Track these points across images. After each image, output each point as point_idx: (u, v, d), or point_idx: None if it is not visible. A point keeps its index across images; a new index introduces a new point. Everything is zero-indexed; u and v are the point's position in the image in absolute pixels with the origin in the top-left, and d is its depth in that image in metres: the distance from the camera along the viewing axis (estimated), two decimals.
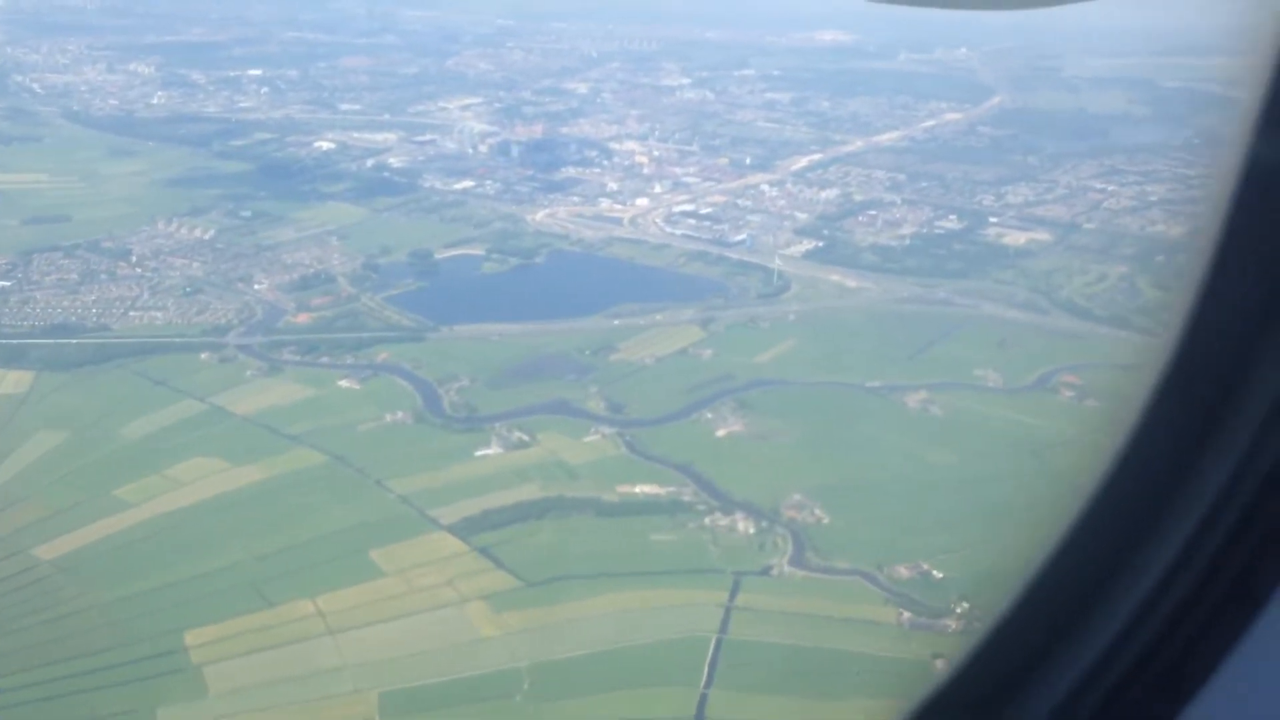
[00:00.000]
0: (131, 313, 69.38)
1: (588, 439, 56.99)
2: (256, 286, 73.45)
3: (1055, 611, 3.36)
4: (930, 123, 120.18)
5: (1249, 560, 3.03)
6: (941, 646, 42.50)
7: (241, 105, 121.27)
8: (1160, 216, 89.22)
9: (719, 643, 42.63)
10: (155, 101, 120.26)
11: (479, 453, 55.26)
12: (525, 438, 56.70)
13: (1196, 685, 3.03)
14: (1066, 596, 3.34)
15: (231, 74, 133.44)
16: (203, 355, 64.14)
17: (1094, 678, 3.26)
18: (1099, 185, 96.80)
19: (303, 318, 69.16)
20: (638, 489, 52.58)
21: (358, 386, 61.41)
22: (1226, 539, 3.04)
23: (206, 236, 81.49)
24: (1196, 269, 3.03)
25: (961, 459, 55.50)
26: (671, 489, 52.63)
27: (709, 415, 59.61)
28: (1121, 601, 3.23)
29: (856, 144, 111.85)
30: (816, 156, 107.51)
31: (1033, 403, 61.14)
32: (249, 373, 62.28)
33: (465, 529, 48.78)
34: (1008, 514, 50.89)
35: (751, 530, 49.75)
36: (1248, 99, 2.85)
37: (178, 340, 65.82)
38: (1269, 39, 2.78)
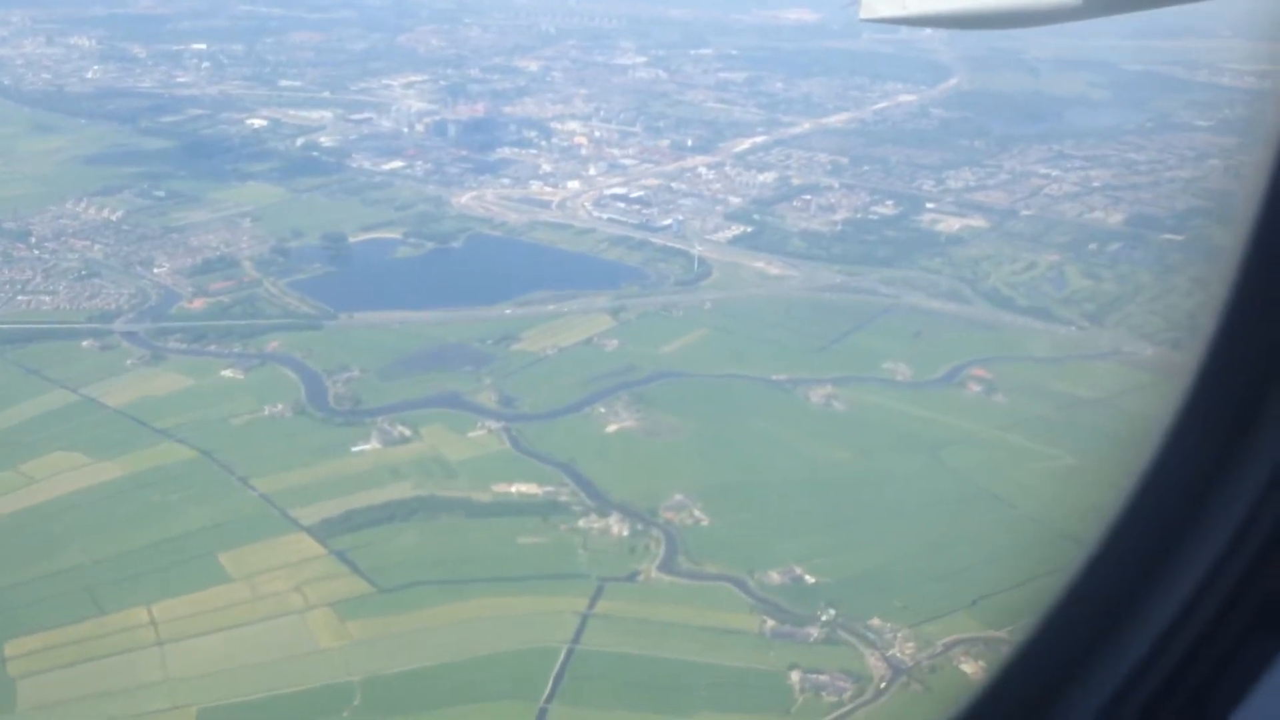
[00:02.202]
0: (20, 297, 67.21)
1: (472, 434, 55.07)
2: (156, 270, 71.26)
3: (1089, 621, 3.31)
4: (883, 104, 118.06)
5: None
6: (801, 656, 40.80)
7: (179, 80, 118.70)
8: (1100, 203, 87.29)
9: (570, 653, 40.82)
10: (90, 76, 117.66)
11: (356, 448, 53.30)
12: (407, 432, 54.76)
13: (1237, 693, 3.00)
14: (1100, 605, 3.29)
15: (175, 48, 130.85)
16: (85, 343, 62.01)
17: (1132, 687, 3.24)
18: (1043, 170, 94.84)
19: (198, 303, 67.05)
20: (514, 488, 50.68)
21: (241, 377, 59.35)
22: (1257, 556, 3.01)
23: (114, 217, 79.21)
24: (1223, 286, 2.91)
25: (855, 456, 53.79)
26: (549, 488, 50.75)
27: (602, 410, 57.67)
28: (1155, 613, 3.17)
29: (804, 126, 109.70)
30: (761, 138, 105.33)
31: (938, 397, 59.37)
32: (129, 361, 60.18)
33: (325, 530, 46.86)
34: (892, 514, 49.36)
35: (625, 533, 47.91)
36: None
37: (62, 327, 63.65)
38: None
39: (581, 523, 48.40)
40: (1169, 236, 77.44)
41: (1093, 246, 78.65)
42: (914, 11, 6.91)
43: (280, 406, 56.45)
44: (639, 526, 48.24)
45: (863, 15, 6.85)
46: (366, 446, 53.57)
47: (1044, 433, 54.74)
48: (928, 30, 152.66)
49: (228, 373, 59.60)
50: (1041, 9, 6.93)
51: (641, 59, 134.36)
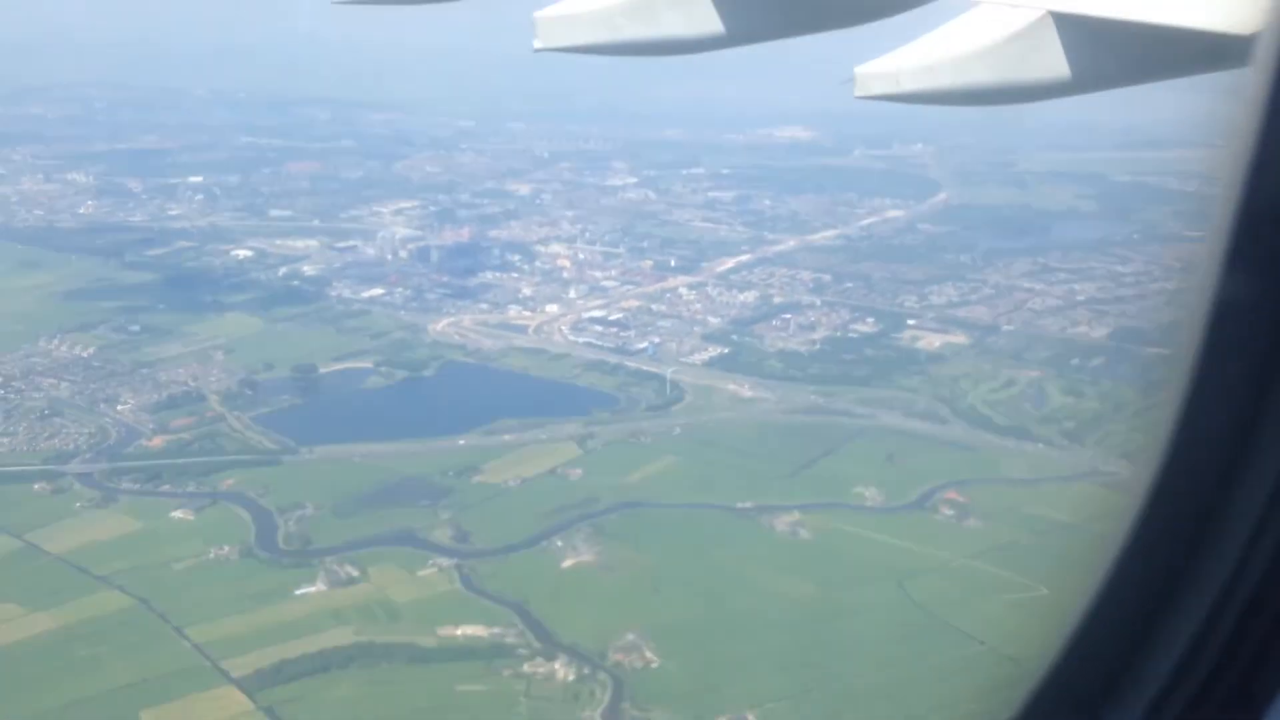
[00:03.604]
0: None
1: (422, 573, 53.48)
2: (120, 407, 70.51)
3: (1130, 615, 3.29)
4: (870, 220, 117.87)
5: None
6: None
7: (171, 213, 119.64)
8: (1084, 317, 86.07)
9: None
10: (82, 211, 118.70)
11: (300, 591, 51.72)
12: (355, 573, 53.19)
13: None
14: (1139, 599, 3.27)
15: (171, 181, 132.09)
16: (36, 485, 60.86)
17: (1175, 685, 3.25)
18: (1028, 284, 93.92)
19: (157, 441, 66.07)
20: (460, 631, 48.93)
21: (191, 518, 58.04)
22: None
23: (86, 354, 78.81)
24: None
25: (817, 589, 51.90)
26: (497, 630, 48.98)
27: (559, 544, 56.06)
28: (1190, 609, 3.18)
29: (790, 243, 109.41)
30: (745, 257, 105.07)
31: (909, 524, 57.55)
32: (79, 504, 59.00)
33: (257, 682, 45.08)
34: (852, 653, 47.20)
35: (571, 677, 45.99)
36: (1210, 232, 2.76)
37: (15, 470, 62.60)
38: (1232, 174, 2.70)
39: (526, 667, 46.51)
40: (1153, 350, 75.85)
41: (1075, 362, 77.25)
42: (907, 89, 7.07)
43: (227, 549, 54.95)
44: (586, 670, 46.31)
45: (857, 93, 7.01)
46: (311, 589, 51.97)
47: (1016, 561, 52.73)
48: (919, 144, 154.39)
49: (178, 514, 58.28)
50: (1033, 84, 7.12)
51: (632, 180, 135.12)
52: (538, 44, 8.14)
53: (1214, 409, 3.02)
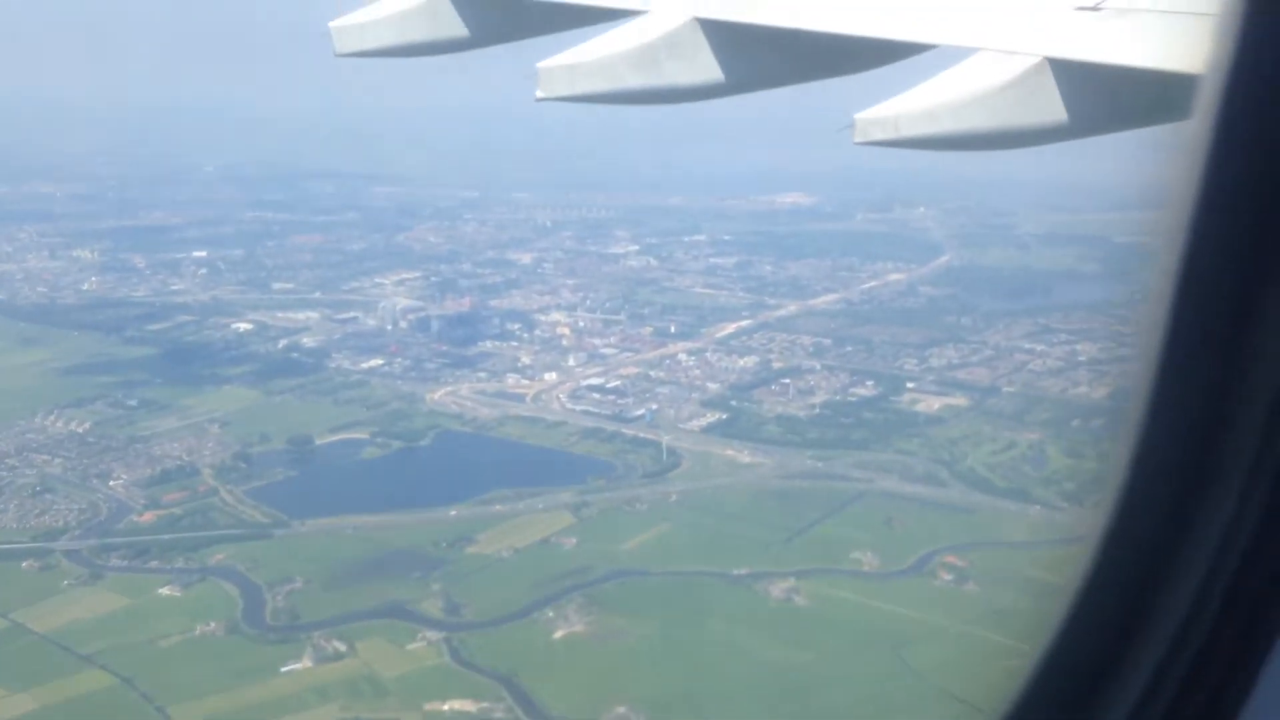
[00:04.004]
0: None
1: (411, 646, 52.69)
2: (113, 483, 70.15)
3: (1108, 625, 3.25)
4: (871, 284, 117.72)
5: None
6: None
7: (174, 288, 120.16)
8: (1084, 378, 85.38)
9: None
10: (86, 287, 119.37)
11: (285, 668, 50.94)
12: (342, 648, 52.40)
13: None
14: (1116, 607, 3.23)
15: (175, 256, 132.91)
16: (25, 563, 60.36)
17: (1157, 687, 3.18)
18: (1028, 345, 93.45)
19: (148, 516, 65.63)
20: (448, 706, 48.09)
21: (179, 594, 57.43)
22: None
23: (81, 429, 78.67)
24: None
25: (812, 658, 50.92)
26: (485, 704, 48.13)
27: (551, 614, 55.24)
28: (1169, 609, 3.12)
29: (790, 308, 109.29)
30: (746, 322, 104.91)
31: (906, 589, 56.64)
32: (66, 582, 58.43)
33: None
34: None
35: None
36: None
37: (3, 548, 62.11)
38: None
39: None
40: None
41: (1075, 423, 76.45)
42: (906, 134, 7.14)
43: (213, 625, 54.30)
44: None
45: (857, 139, 7.13)
46: (297, 665, 51.18)
47: (1014, 626, 51.61)
48: (921, 208, 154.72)
49: (165, 590, 57.67)
50: (1031, 129, 7.19)
51: (634, 247, 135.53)
52: (540, 94, 8.27)
53: (1172, 428, 2.97)
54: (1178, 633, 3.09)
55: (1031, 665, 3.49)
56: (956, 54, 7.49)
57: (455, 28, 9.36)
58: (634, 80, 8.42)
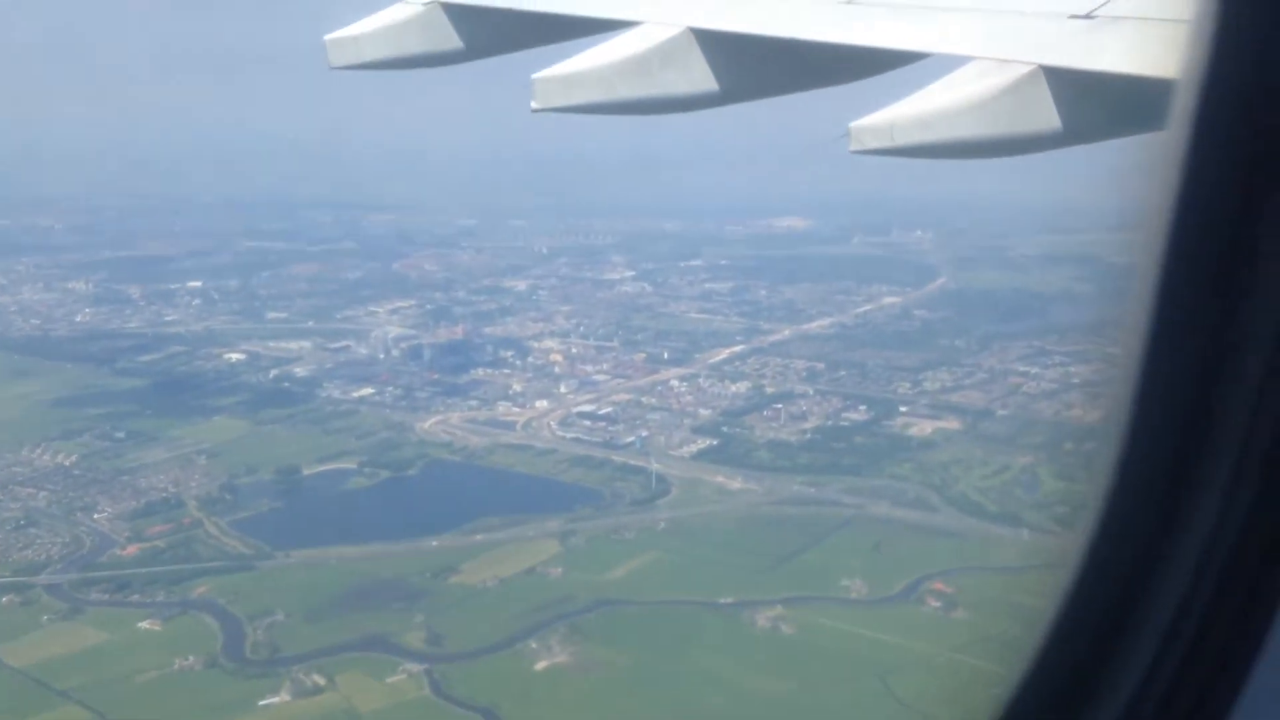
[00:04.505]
0: None
1: (391, 679, 52.05)
2: (97, 515, 69.68)
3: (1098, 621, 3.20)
4: (866, 308, 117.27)
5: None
6: None
7: (167, 318, 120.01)
8: (1078, 400, 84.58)
9: None
10: (79, 319, 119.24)
11: (263, 702, 50.30)
12: (321, 681, 51.76)
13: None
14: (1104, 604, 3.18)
15: (170, 287, 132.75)
16: (5, 598, 59.87)
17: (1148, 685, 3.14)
18: (1022, 368, 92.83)
19: (131, 550, 65.11)
20: None
21: (158, 628, 56.85)
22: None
23: (68, 462, 78.25)
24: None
25: (796, 688, 50.24)
26: None
27: (534, 645, 54.62)
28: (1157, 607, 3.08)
29: (785, 333, 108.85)
30: (739, 348, 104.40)
31: (893, 616, 55.92)
32: (46, 617, 57.90)
33: None
34: None
35: None
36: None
37: None
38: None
39: None
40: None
41: (1068, 446, 75.55)
42: (901, 143, 7.23)
43: (192, 659, 53.66)
44: None
45: (852, 148, 7.23)
46: (275, 699, 50.54)
47: (1003, 654, 50.76)
48: (918, 231, 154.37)
49: (145, 624, 57.11)
50: (1025, 137, 7.28)
51: (630, 273, 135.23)
52: (535, 105, 8.34)
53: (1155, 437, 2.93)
54: (1167, 632, 3.05)
55: (1020, 670, 3.42)
56: (951, 63, 7.61)
57: (450, 40, 9.48)
58: (628, 91, 8.49)
